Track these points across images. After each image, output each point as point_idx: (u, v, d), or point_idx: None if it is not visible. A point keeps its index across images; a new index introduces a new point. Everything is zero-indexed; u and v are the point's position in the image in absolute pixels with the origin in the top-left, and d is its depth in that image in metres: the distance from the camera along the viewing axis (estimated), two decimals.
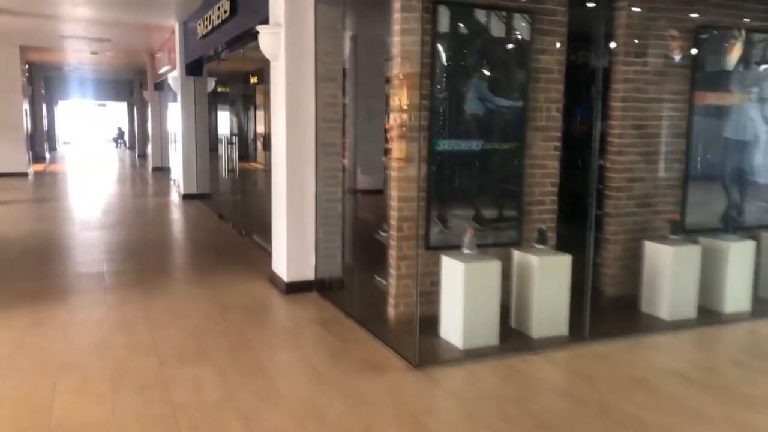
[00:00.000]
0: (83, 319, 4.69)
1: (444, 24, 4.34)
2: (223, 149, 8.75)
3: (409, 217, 4.40)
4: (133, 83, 25.49)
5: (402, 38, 4.22)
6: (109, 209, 10.56)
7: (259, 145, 17.80)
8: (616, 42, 4.92)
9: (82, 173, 17.91)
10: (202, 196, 11.57)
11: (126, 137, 32.22)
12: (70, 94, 29.58)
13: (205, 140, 11.68)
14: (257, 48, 5.45)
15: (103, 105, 34.14)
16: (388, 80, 4.65)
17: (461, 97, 4.47)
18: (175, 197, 12.20)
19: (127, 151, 29.52)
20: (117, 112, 35.00)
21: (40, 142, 21.60)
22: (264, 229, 7.75)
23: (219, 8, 7.91)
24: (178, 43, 11.42)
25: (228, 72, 14.36)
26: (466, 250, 4.16)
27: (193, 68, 11.37)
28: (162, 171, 17.56)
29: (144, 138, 23.70)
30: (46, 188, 13.95)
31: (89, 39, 13.94)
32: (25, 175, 15.44)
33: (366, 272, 5.28)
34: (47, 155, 22.69)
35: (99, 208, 10.66)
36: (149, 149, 19.92)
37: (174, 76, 11.57)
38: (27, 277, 5.94)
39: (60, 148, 29.96)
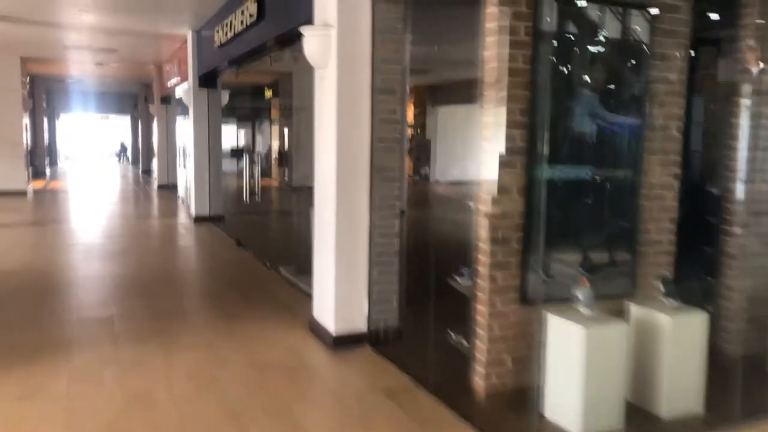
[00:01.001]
0: (89, 390, 3.75)
1: (547, 21, 3.45)
2: (243, 167, 7.85)
3: (504, 264, 3.49)
4: (137, 96, 24.65)
5: (498, 38, 3.33)
6: (115, 233, 9.64)
7: (273, 161, 16.90)
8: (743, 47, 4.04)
9: (84, 191, 17.02)
10: (215, 218, 10.67)
11: (129, 152, 31.38)
12: (72, 108, 28.73)
13: (219, 157, 10.80)
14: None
15: (106, 118, 33.35)
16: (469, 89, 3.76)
17: (567, 113, 3.58)
18: (184, 218, 11.29)
19: (130, 167, 28.66)
20: (120, 126, 34.25)
21: (40, 157, 20.73)
22: (293, 260, 6.86)
23: (243, 12, 7.05)
24: (190, 53, 10.57)
25: (241, 85, 13.59)
26: (582, 308, 3.25)
27: (207, 80, 10.52)
28: (168, 188, 16.68)
29: (148, 153, 22.84)
30: (45, 208, 13.04)
31: (94, 49, 13.10)
32: (23, 193, 14.54)
33: (432, 322, 4.35)
34: (47, 171, 21.82)
35: (103, 231, 9.75)
36: (154, 165, 19.05)
37: (186, 89, 10.70)
38: (20, 324, 5.01)
39: (61, 163, 29.11)
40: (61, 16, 9.62)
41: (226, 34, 8.01)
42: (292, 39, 6.14)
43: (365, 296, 4.56)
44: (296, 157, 14.58)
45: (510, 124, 3.41)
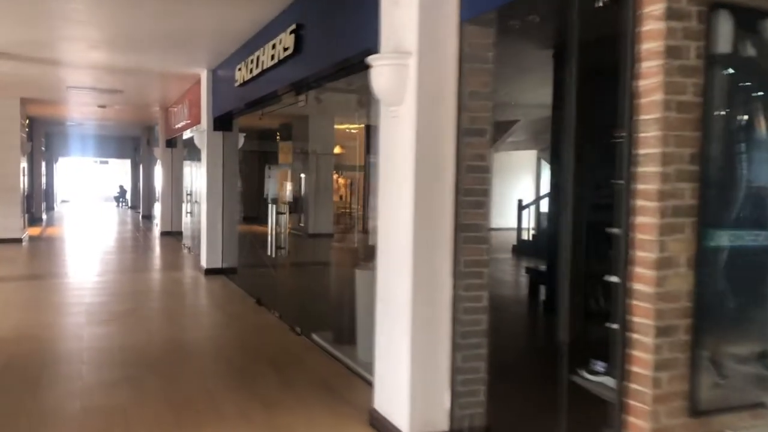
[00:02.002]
0: None
1: (722, 41, 2.64)
2: (269, 217, 6.98)
3: (670, 363, 2.59)
4: (139, 139, 23.97)
5: (664, 63, 2.51)
6: (118, 290, 8.70)
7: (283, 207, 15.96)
8: None
9: (82, 238, 16.08)
10: (227, 270, 9.76)
11: (128, 196, 30.55)
12: (71, 151, 27.99)
13: (235, 204, 9.96)
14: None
15: (105, 162, 32.65)
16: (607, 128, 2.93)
17: (745, 161, 2.74)
18: (193, 271, 10.36)
19: (129, 211, 27.78)
20: (118, 170, 33.55)
21: (37, 202, 19.83)
22: (329, 325, 5.95)
23: (275, 46, 6.29)
24: (205, 93, 9.83)
25: (248, 128, 12.86)
26: None
27: (222, 122, 9.75)
28: (171, 235, 15.78)
29: (150, 198, 22.01)
30: (42, 259, 12.09)
31: (98, 90, 12.37)
32: (19, 241, 13.61)
33: (535, 424, 3.43)
34: (44, 216, 20.90)
35: (105, 288, 8.80)
36: (156, 211, 18.20)
37: (200, 131, 9.91)
38: (15, 420, 4.05)
39: (58, 207, 28.22)
40: (68, 53, 8.89)
41: (251, 71, 7.25)
42: (337, 74, 5.39)
43: (447, 387, 3.65)
44: (313, 203, 13.79)
45: (677, 176, 2.56)
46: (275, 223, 6.97)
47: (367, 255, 5.98)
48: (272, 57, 6.40)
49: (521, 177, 17.92)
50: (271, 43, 6.44)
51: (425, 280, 3.59)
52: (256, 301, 7.76)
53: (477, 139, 3.64)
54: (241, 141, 10.26)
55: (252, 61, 7.20)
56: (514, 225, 13.48)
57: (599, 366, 2.98)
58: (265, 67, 6.68)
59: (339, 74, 5.50)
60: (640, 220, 2.62)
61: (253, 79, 7.28)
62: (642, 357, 2.61)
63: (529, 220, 13.33)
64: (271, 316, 7.05)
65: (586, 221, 5.73)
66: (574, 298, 5.35)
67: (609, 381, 2.87)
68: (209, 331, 6.63)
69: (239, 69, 7.81)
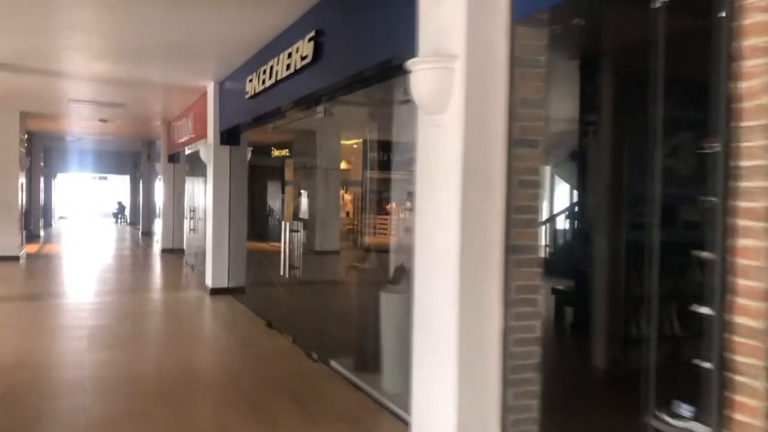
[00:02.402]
0: None
1: None
2: (282, 235, 6.60)
3: None
4: (139, 155, 23.64)
5: None
6: (121, 312, 8.30)
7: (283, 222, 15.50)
8: None
9: (81, 255, 15.67)
10: (234, 290, 9.37)
11: (127, 212, 30.16)
12: (69, 167, 27.62)
13: (243, 222, 9.60)
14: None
15: (105, 178, 32.30)
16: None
17: None
18: (197, 290, 9.96)
19: (128, 228, 27.38)
20: (117, 186, 33.22)
21: (35, 219, 19.44)
22: (349, 351, 5.56)
23: (290, 55, 5.97)
24: (212, 106, 9.50)
25: (256, 143, 12.56)
26: None
27: (229, 136, 9.42)
28: (173, 252, 15.39)
29: (149, 214, 21.63)
30: (40, 278, 11.67)
31: (100, 104, 12.05)
32: (16, 259, 13.21)
33: None
34: (42, 233, 20.49)
35: (107, 309, 8.40)
36: (156, 227, 17.82)
37: (207, 145, 9.57)
38: None
39: (56, 223, 27.80)
40: (71, 64, 8.56)
41: (263, 82, 6.93)
42: (359, 83, 5.07)
43: (498, 428, 3.27)
44: (320, 220, 13.43)
45: None
46: (287, 241, 6.59)
47: (384, 275, 5.63)
48: (287, 66, 6.08)
49: None
50: (286, 52, 6.11)
51: (473, 308, 3.23)
52: (267, 324, 7.38)
53: (528, 151, 3.30)
54: (248, 156, 9.92)
55: (264, 72, 6.87)
56: None
57: (684, 409, 2.61)
58: (279, 78, 6.35)
59: (359, 85, 5.18)
60: (742, 242, 2.26)
61: (265, 90, 6.96)
62: (747, 403, 2.24)
63: (545, 237, 12.93)
64: (284, 340, 6.66)
65: (626, 240, 5.39)
66: (638, 325, 4.95)
67: (698, 428, 2.50)
68: (220, 358, 6.23)
69: (250, 80, 7.49)
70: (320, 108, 5.88)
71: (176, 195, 15.83)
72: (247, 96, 7.63)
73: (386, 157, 8.14)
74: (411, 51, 3.56)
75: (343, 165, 14.55)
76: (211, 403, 4.75)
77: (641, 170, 5.45)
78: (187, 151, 13.69)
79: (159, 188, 17.40)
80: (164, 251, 15.73)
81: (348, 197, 15.20)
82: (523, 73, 3.26)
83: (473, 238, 3.21)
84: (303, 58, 5.65)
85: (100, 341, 6.52)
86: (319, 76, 5.58)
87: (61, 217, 31.30)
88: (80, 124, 16.57)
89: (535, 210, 3.33)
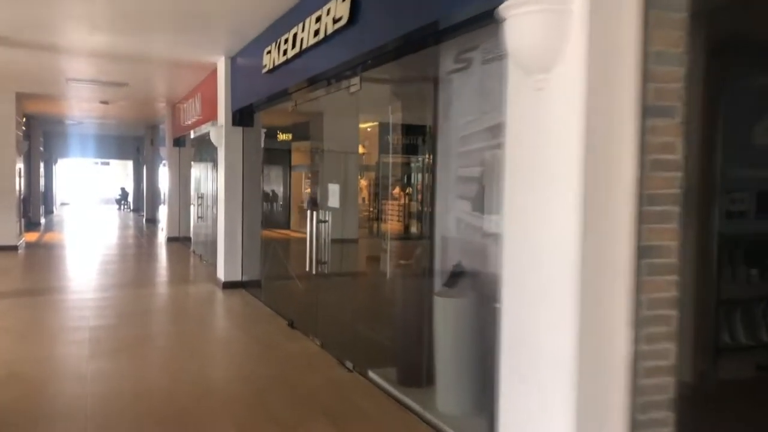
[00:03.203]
0: None
1: None
2: (308, 228, 5.81)
3: None
4: (142, 139, 22.85)
5: None
6: (126, 309, 7.54)
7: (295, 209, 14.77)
8: None
9: (83, 245, 14.92)
10: (248, 284, 8.63)
11: (130, 199, 29.39)
12: (70, 152, 26.80)
13: (258, 210, 8.84)
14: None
15: (107, 163, 31.51)
16: None
17: None
18: (208, 283, 9.20)
19: (132, 214, 26.63)
20: (119, 171, 32.48)
21: (35, 206, 18.70)
22: (390, 360, 4.82)
23: (319, 19, 5.15)
24: (222, 84, 8.69)
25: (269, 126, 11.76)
26: None
27: (242, 117, 8.62)
28: (179, 241, 14.66)
29: (153, 201, 20.88)
30: (39, 270, 10.91)
31: (101, 83, 11.24)
32: (15, 248, 12.47)
33: None
34: (42, 221, 19.75)
35: (111, 306, 7.64)
36: (161, 214, 17.06)
37: (218, 126, 8.77)
38: None
39: (57, 210, 27.07)
40: (68, 36, 7.75)
41: (284, 53, 6.11)
42: (403, 47, 4.27)
43: None
44: (343, 208, 12.63)
45: None
46: (314, 232, 5.82)
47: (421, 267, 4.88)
48: (316, 33, 5.26)
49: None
50: (314, 16, 5.29)
51: (593, 327, 2.45)
52: (289, 324, 6.62)
53: (665, 121, 2.51)
54: (262, 138, 9.13)
55: (286, 41, 6.05)
56: None
57: None
58: (305, 46, 5.54)
59: (406, 49, 4.39)
60: None
61: (286, 62, 6.15)
62: None
63: None
64: (310, 344, 5.91)
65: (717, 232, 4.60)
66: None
67: None
68: (241, 367, 5.46)
69: (268, 52, 6.67)
70: (355, 80, 5.06)
71: (182, 181, 15.06)
72: (265, 70, 6.81)
73: (420, 142, 7.39)
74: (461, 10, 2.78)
75: (360, 149, 13.74)
76: (232, 427, 3.99)
77: (740, 148, 4.64)
78: (194, 135, 12.91)
79: (163, 174, 16.62)
80: (170, 240, 14.99)
81: (364, 183, 14.39)
82: (659, 18, 2.46)
83: (594, 237, 2.43)
84: (336, 21, 4.83)
85: (103, 346, 5.76)
86: (354, 43, 4.76)
87: (62, 204, 30.58)
88: (81, 107, 15.75)
89: (674, 200, 2.54)
